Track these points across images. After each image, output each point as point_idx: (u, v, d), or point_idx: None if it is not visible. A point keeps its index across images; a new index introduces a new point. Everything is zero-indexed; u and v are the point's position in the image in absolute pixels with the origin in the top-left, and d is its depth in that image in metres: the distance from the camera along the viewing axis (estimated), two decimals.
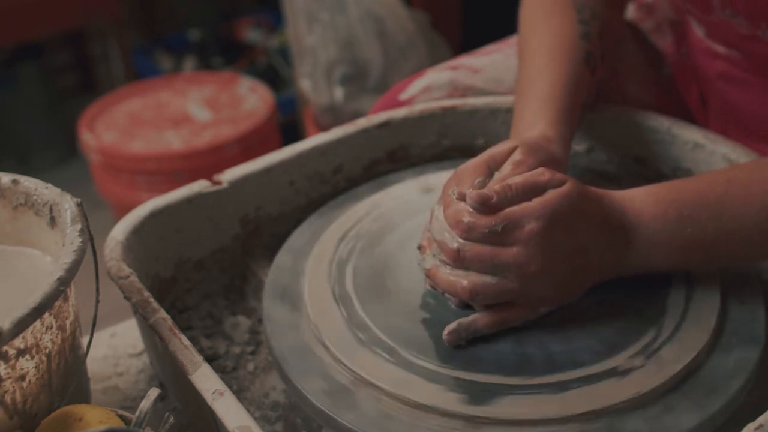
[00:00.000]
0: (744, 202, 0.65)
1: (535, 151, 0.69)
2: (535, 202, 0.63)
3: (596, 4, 0.85)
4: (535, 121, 0.74)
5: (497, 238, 0.63)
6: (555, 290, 0.64)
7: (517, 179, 0.65)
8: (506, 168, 0.68)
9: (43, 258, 0.68)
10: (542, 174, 0.65)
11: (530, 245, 0.62)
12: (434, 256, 0.67)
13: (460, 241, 0.64)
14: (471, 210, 0.64)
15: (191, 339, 0.75)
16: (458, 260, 0.64)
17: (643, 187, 0.69)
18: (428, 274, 0.67)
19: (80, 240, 0.60)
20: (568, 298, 0.66)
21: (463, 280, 0.64)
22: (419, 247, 0.70)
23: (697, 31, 0.89)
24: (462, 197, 0.66)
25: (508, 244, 0.63)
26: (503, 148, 0.70)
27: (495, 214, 0.63)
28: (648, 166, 0.87)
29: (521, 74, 0.82)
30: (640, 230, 0.66)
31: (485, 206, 0.63)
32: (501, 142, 0.72)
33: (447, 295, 0.67)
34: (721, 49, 0.86)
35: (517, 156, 0.69)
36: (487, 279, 0.63)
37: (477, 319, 0.65)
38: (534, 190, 0.64)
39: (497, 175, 0.68)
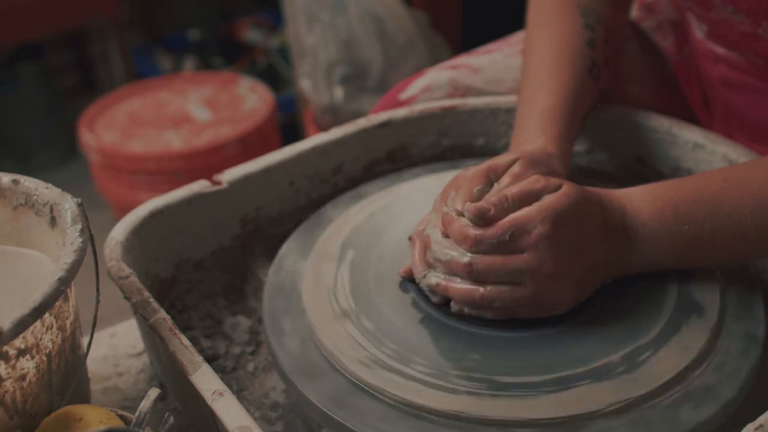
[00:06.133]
0: (740, 200, 0.65)
1: (535, 165, 0.70)
2: (536, 207, 0.63)
3: (601, 7, 0.85)
4: (537, 135, 0.75)
5: (506, 247, 0.63)
6: (568, 292, 0.65)
7: (513, 189, 0.65)
8: (505, 180, 0.69)
9: (44, 260, 0.68)
10: (537, 181, 0.66)
11: (540, 248, 0.62)
12: (435, 272, 0.67)
13: (470, 255, 0.64)
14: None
15: (191, 339, 0.75)
16: (472, 273, 0.64)
17: (641, 186, 0.69)
18: (439, 290, 0.67)
19: (80, 240, 0.60)
20: (579, 299, 0.66)
21: (480, 288, 0.64)
22: (410, 238, 0.71)
23: (697, 32, 0.89)
24: (460, 213, 0.66)
25: (518, 250, 0.63)
26: (504, 159, 0.71)
27: (501, 224, 0.63)
28: (648, 166, 0.87)
29: (524, 81, 0.82)
30: (639, 228, 0.66)
31: (484, 219, 0.64)
32: (502, 154, 0.72)
33: (457, 305, 0.67)
34: (721, 50, 0.86)
35: (516, 168, 0.69)
36: (502, 286, 0.64)
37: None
38: (530, 198, 0.65)
39: (496, 187, 0.69)
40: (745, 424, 0.54)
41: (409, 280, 0.71)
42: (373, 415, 0.61)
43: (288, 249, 0.78)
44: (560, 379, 0.61)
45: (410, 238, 0.72)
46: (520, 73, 0.85)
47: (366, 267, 0.73)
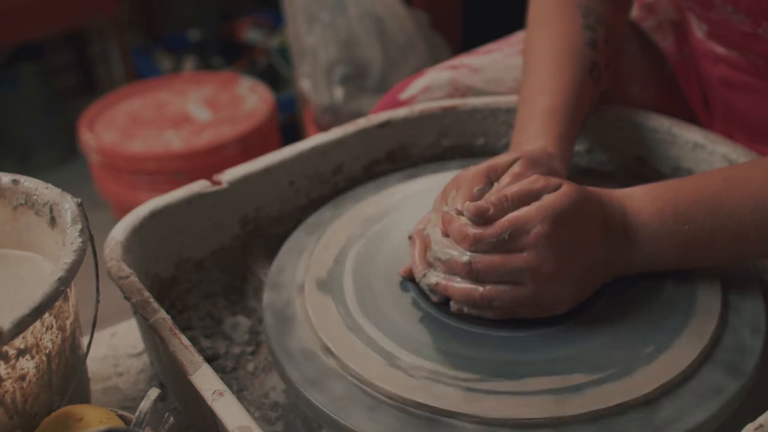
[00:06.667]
0: (740, 200, 0.65)
1: (535, 165, 0.70)
2: (536, 206, 0.63)
3: (602, 7, 0.85)
4: (538, 135, 0.75)
5: (505, 246, 0.63)
6: (568, 292, 0.65)
7: (513, 188, 0.65)
8: (505, 179, 0.69)
9: (44, 264, 0.68)
10: (537, 181, 0.66)
11: (539, 248, 0.62)
12: (435, 271, 0.67)
13: (470, 254, 0.64)
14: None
15: (191, 339, 0.75)
16: (471, 272, 0.64)
17: (641, 185, 0.69)
18: (439, 289, 0.67)
19: (80, 240, 0.60)
20: (580, 298, 0.66)
21: (479, 287, 0.64)
22: (410, 238, 0.71)
23: (697, 31, 0.89)
24: (460, 213, 0.66)
25: (517, 250, 0.63)
26: (504, 159, 0.71)
27: (500, 224, 0.63)
28: (648, 166, 0.87)
29: (524, 81, 0.82)
30: (640, 228, 0.66)
31: (483, 218, 0.63)
32: (502, 153, 0.72)
33: (456, 304, 0.67)
34: (721, 50, 0.86)
35: (516, 168, 0.69)
36: (502, 286, 0.64)
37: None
38: (530, 198, 0.65)
39: (496, 186, 0.69)
40: (745, 424, 0.54)
41: (409, 280, 0.71)
42: (375, 415, 0.60)
43: (288, 250, 0.77)
44: (564, 379, 0.61)
45: (410, 238, 0.72)
46: (521, 73, 0.85)
47: (367, 267, 0.73)
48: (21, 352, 0.56)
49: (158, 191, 1.02)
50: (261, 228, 0.85)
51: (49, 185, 0.66)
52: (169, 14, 2.91)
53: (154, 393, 0.57)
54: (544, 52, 0.82)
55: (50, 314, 0.58)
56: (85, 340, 0.65)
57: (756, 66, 0.84)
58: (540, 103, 0.77)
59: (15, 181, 0.67)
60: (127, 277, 0.69)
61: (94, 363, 0.78)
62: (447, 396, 0.60)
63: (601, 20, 0.84)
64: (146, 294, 0.67)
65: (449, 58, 1.12)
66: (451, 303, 0.67)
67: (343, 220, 0.79)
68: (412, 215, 0.77)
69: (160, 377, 0.76)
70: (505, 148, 0.91)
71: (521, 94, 0.81)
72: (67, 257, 0.58)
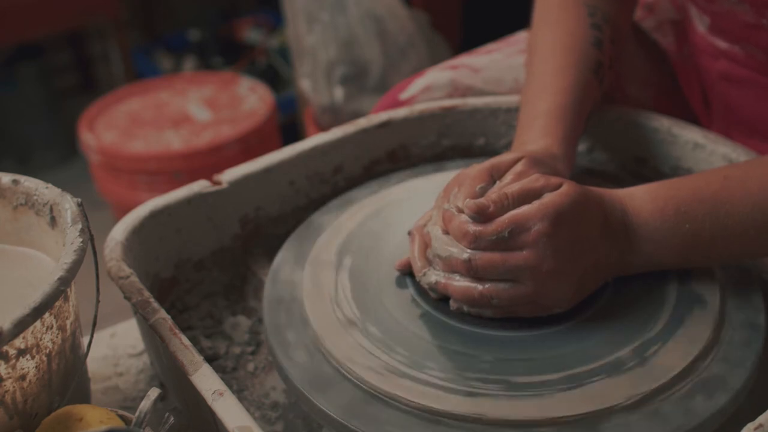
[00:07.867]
0: (740, 199, 0.66)
1: (538, 164, 0.70)
2: (536, 204, 0.63)
3: (608, 6, 0.85)
4: (541, 135, 0.75)
5: (505, 244, 0.63)
6: (569, 291, 0.65)
7: (514, 187, 0.65)
8: (507, 178, 0.69)
9: (44, 260, 0.68)
10: (537, 180, 0.66)
11: (539, 247, 0.62)
12: (435, 269, 0.67)
13: (470, 251, 0.64)
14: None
15: (191, 339, 0.75)
16: (470, 270, 0.64)
17: (641, 185, 0.70)
18: (438, 287, 0.67)
19: (80, 240, 0.60)
20: (579, 297, 0.66)
21: (479, 285, 0.64)
22: (409, 233, 0.72)
23: (699, 26, 0.89)
24: (461, 211, 0.66)
25: (517, 248, 0.63)
26: (507, 158, 0.71)
27: (500, 221, 0.63)
28: (648, 166, 0.87)
29: (528, 80, 0.82)
30: (640, 227, 0.66)
31: (483, 216, 0.63)
32: (505, 152, 0.72)
33: (456, 302, 0.67)
34: (722, 44, 0.86)
35: (519, 167, 0.69)
36: (502, 284, 0.64)
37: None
38: (530, 197, 0.65)
39: (498, 185, 0.69)
40: (745, 424, 0.54)
41: (406, 275, 0.71)
42: (390, 422, 0.60)
43: (283, 257, 0.77)
44: (573, 377, 0.61)
45: (410, 233, 0.72)
46: (525, 73, 0.85)
47: (365, 271, 0.73)
48: (21, 352, 0.56)
49: (158, 191, 1.02)
50: (261, 228, 0.85)
51: (49, 185, 0.66)
52: (169, 14, 2.91)
53: (154, 393, 0.57)
54: (549, 51, 0.82)
55: (50, 314, 0.58)
56: (85, 340, 0.65)
57: (757, 60, 0.84)
58: (544, 102, 0.77)
59: (15, 181, 0.67)
60: (127, 277, 0.69)
61: (94, 363, 0.78)
62: (464, 400, 0.60)
63: (608, 20, 0.84)
64: (146, 294, 0.67)
65: (449, 58, 1.12)
66: (451, 302, 0.67)
67: (339, 224, 0.79)
68: (409, 216, 0.77)
69: (160, 377, 0.76)
70: (506, 148, 0.91)
71: (525, 93, 0.81)
72: (67, 257, 0.58)
